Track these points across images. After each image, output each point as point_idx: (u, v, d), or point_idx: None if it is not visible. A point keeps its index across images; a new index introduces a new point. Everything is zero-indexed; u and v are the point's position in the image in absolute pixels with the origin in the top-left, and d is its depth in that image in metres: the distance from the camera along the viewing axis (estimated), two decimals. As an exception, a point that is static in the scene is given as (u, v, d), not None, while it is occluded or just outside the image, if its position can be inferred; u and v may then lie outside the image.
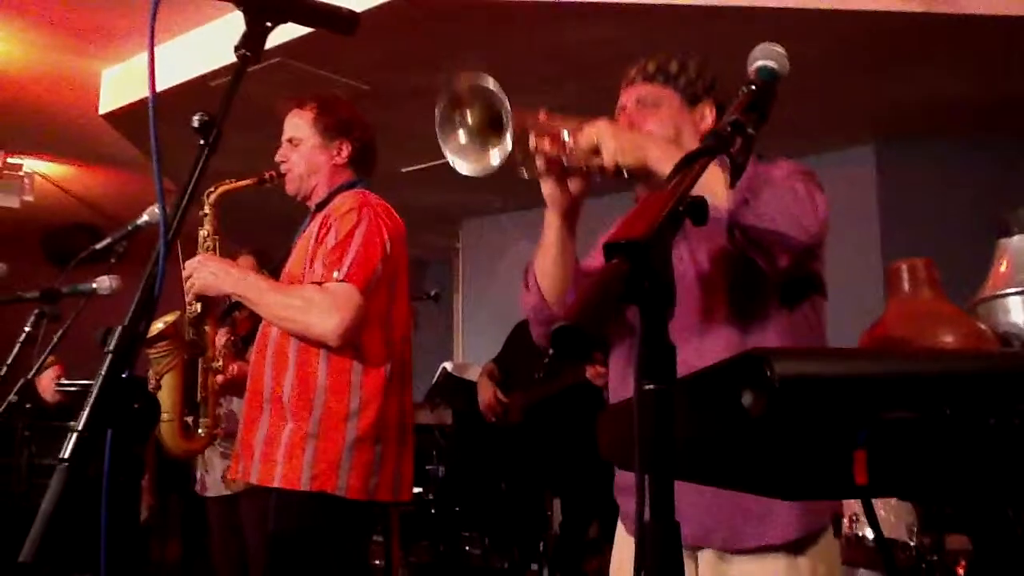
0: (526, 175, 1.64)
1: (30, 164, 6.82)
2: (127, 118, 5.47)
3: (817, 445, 0.71)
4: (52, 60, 5.24)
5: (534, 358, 4.65)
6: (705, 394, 0.76)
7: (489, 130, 1.55)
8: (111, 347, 0.95)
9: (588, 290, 0.68)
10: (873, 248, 5.42)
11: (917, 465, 0.74)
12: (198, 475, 4.02)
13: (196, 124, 1.10)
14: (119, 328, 0.95)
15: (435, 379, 5.59)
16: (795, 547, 1.62)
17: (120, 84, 5.42)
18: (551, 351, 0.69)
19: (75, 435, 0.90)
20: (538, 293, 1.82)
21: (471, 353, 7.30)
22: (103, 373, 0.94)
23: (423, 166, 6.20)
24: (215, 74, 4.61)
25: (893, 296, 1.90)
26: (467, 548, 5.21)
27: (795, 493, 0.78)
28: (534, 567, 4.81)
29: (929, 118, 5.31)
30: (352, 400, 2.38)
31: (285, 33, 4.15)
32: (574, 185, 1.73)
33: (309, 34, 4.06)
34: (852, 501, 2.92)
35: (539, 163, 1.64)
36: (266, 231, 4.73)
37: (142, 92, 5.15)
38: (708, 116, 1.83)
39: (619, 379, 1.85)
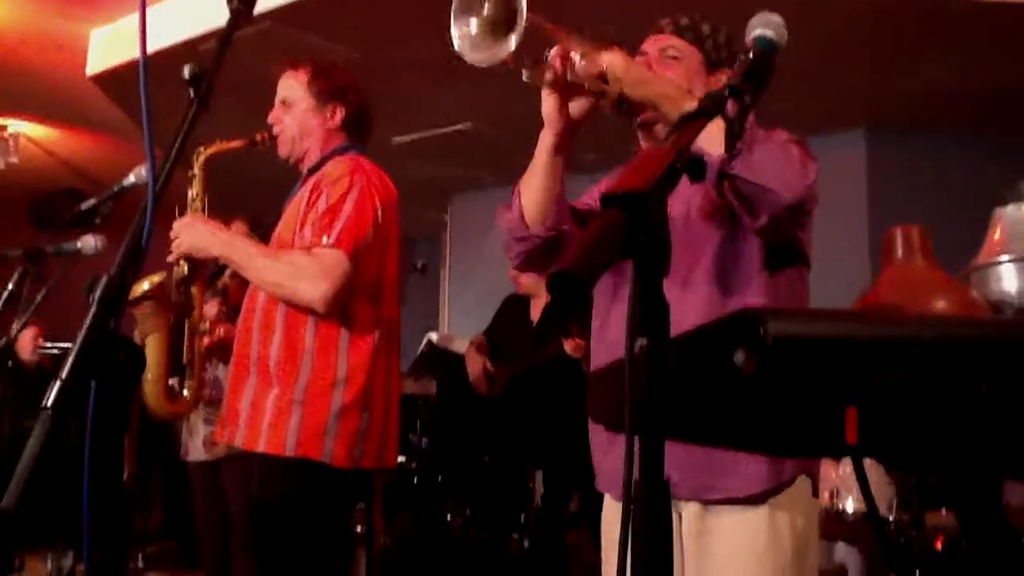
0: (526, 78, 1.63)
1: (15, 125, 6.76)
2: (115, 81, 5.41)
3: (808, 405, 0.71)
4: (40, 20, 5.17)
5: (522, 332, 4.67)
6: (696, 353, 0.76)
7: (502, 26, 1.54)
8: (97, 296, 0.94)
9: (584, 238, 0.68)
10: (861, 232, 5.43)
11: (907, 428, 0.74)
12: (182, 440, 4.01)
13: (187, 76, 1.08)
14: (105, 277, 0.94)
15: (420, 350, 5.59)
16: (769, 500, 1.65)
17: (108, 46, 5.35)
18: (549, 299, 0.68)
19: (58, 383, 0.89)
20: (519, 211, 1.83)
21: (457, 327, 7.29)
22: (88, 323, 0.93)
23: (414, 137, 6.17)
24: (204, 38, 4.56)
25: (887, 263, 1.91)
26: (449, 518, 5.22)
27: (786, 451, 0.78)
28: (515, 538, 4.82)
29: (922, 107, 5.31)
30: (339, 367, 2.37)
31: (277, -1, 4.11)
32: (575, 108, 1.72)
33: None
34: (832, 475, 2.95)
35: (547, 74, 1.63)
36: (256, 198, 4.69)
37: (130, 54, 5.09)
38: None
39: (597, 342, 1.86)
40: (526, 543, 4.77)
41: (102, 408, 0.97)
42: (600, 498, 1.95)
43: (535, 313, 4.66)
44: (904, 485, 2.84)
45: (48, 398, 0.89)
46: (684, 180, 0.82)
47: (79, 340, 0.92)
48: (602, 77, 1.59)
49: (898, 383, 0.68)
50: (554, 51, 1.61)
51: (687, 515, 1.72)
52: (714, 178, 1.48)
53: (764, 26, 1.24)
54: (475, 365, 4.71)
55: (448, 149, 6.55)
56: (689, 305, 1.63)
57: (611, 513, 1.90)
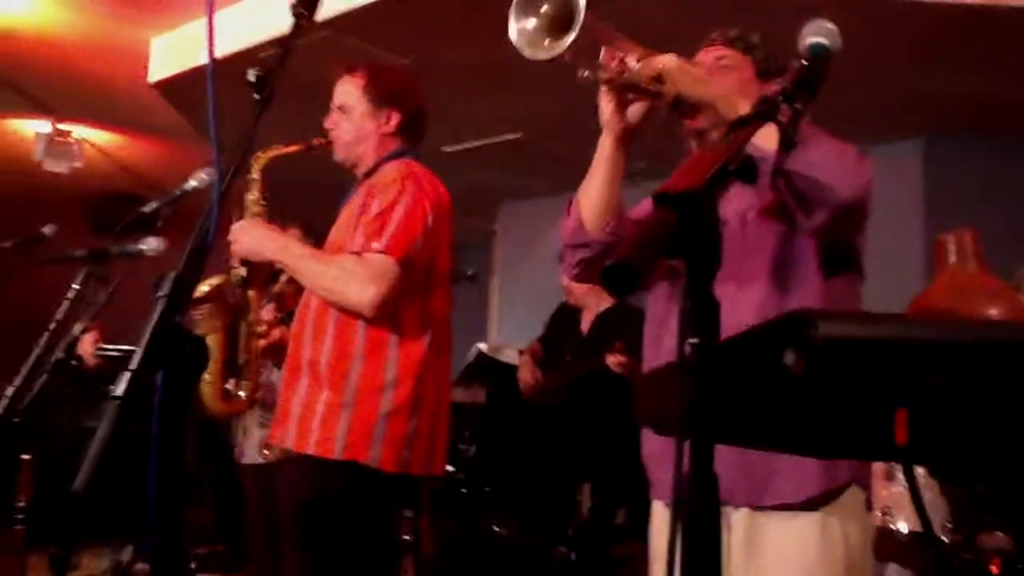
0: (581, 74, 1.65)
1: (79, 131, 6.92)
2: (175, 87, 5.52)
3: (858, 407, 0.72)
4: (103, 28, 5.30)
5: (571, 342, 4.67)
6: (746, 355, 0.76)
7: (559, 24, 1.57)
8: (164, 292, 0.98)
9: (636, 233, 0.69)
10: (916, 240, 5.35)
11: (957, 433, 0.74)
12: (236, 442, 4.07)
13: (252, 79, 1.12)
14: (172, 273, 0.97)
15: (469, 359, 5.61)
16: (821, 507, 1.64)
17: (169, 53, 5.47)
18: (605, 286, 0.70)
19: (128, 373, 0.92)
20: (577, 215, 1.85)
21: (506, 335, 7.31)
22: (156, 317, 0.96)
23: (465, 146, 6.22)
24: (263, 46, 4.64)
25: (940, 268, 1.89)
26: (495, 528, 5.23)
27: (835, 453, 0.79)
28: (561, 549, 4.82)
29: (979, 114, 5.22)
30: (388, 371, 2.39)
31: (333, 7, 4.18)
32: (633, 112, 1.75)
33: (357, 8, 4.09)
34: (884, 493, 2.90)
35: (603, 72, 1.66)
36: (312, 205, 4.77)
37: (191, 61, 5.20)
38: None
39: (652, 349, 1.87)
40: (572, 555, 4.76)
41: (168, 400, 1.01)
42: (649, 511, 1.95)
43: (585, 325, 4.66)
44: (957, 505, 2.79)
45: (117, 388, 0.93)
46: (740, 184, 0.84)
47: (148, 333, 0.95)
48: (658, 78, 1.61)
49: (947, 386, 0.69)
50: (609, 52, 1.64)
51: (737, 524, 1.71)
52: (770, 173, 1.48)
53: (818, 33, 1.24)
54: (526, 372, 4.72)
55: (498, 158, 6.58)
56: (744, 306, 1.64)
57: (660, 521, 1.90)
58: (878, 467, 2.90)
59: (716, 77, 1.81)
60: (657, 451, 1.83)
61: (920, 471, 2.78)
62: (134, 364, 0.93)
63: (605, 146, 1.80)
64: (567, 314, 4.75)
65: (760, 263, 1.71)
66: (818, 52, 1.22)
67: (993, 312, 1.68)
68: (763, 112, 0.96)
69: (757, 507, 1.68)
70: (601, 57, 1.66)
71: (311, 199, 4.63)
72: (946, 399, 0.72)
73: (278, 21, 1.25)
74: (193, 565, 5.48)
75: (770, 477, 1.65)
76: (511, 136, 6.11)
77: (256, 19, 4.74)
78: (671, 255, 0.74)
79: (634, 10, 3.75)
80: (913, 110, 5.37)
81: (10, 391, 2.52)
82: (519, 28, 1.60)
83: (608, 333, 4.36)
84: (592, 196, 1.83)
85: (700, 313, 0.74)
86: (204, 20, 1.25)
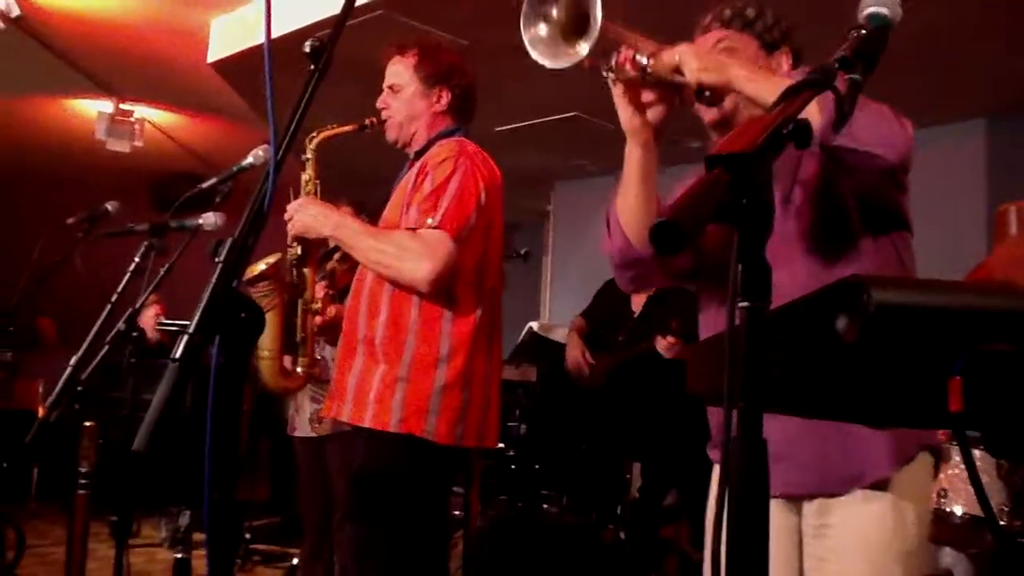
0: (605, 74, 1.64)
1: (141, 111, 7.06)
2: (234, 67, 5.60)
3: (911, 374, 0.70)
4: (164, 10, 5.40)
5: (621, 321, 4.66)
6: (798, 321, 0.76)
7: (573, 30, 1.56)
8: (221, 257, 1.00)
9: (686, 195, 0.69)
10: (979, 220, 5.23)
11: (1015, 404, 0.72)
12: (289, 415, 4.15)
13: (307, 49, 1.14)
14: (229, 240, 0.99)
15: (521, 338, 5.63)
16: (892, 487, 1.63)
17: (228, 33, 5.55)
18: (652, 245, 0.70)
19: (185, 337, 0.95)
20: (621, 235, 1.81)
21: (558, 315, 7.32)
22: (213, 282, 0.98)
23: (517, 125, 6.21)
24: (318, 26, 4.69)
25: (999, 240, 1.85)
26: (545, 506, 5.26)
27: (887, 421, 0.78)
28: (610, 528, 4.83)
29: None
30: (442, 346, 2.41)
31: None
32: (653, 114, 1.73)
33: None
34: (940, 475, 2.86)
35: (624, 72, 1.65)
36: (362, 188, 4.81)
37: (250, 41, 5.27)
38: (784, 64, 1.83)
39: (708, 328, 1.86)
40: (621, 534, 4.77)
41: (224, 365, 1.03)
42: (698, 492, 1.95)
43: (636, 305, 4.64)
44: (1015, 489, 2.74)
45: (176, 351, 0.95)
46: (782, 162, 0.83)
47: (205, 297, 0.98)
48: (677, 70, 1.59)
49: (1005, 355, 0.68)
50: (624, 53, 1.62)
51: (808, 514, 1.70)
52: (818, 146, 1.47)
53: (878, 3, 1.21)
54: (574, 351, 4.72)
55: (551, 137, 6.57)
56: (794, 280, 1.62)
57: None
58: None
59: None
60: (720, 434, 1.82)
61: (977, 453, 2.73)
62: (191, 328, 0.95)
63: (633, 154, 1.77)
64: (616, 293, 4.74)
65: (806, 237, 1.69)
66: (878, 21, 1.19)
67: (1054, 283, 1.64)
68: (818, 80, 0.94)
69: (830, 494, 1.67)
70: (615, 57, 1.63)
71: (361, 182, 4.68)
72: (1003, 369, 0.70)
73: (335, 3, 1.25)
74: (248, 536, 5.61)
75: (845, 465, 1.64)
76: (564, 115, 6.09)
77: (313, 1, 4.79)
78: (722, 219, 0.73)
79: None
80: (975, 90, 5.24)
81: (73, 360, 2.59)
82: (532, 37, 1.59)
83: (661, 314, 4.34)
84: (631, 207, 1.79)
85: (751, 277, 0.73)
86: (263, 1, 1.27)
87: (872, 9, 1.21)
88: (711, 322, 1.85)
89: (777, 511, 1.70)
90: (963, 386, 0.68)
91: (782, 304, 0.79)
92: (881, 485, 1.64)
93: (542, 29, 1.61)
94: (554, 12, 1.60)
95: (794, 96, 0.88)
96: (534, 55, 1.61)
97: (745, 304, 0.73)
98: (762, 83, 1.57)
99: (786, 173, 1.71)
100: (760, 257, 0.74)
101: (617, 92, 1.71)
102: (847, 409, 0.74)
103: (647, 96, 1.73)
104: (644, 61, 1.61)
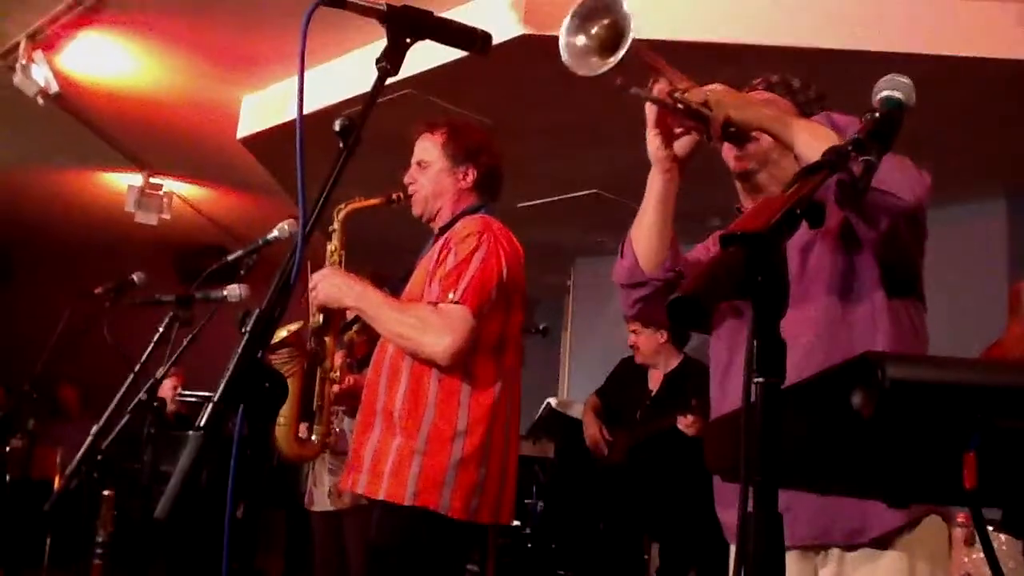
0: (634, 91, 1.68)
1: (169, 184, 7.19)
2: (263, 143, 5.72)
3: (927, 450, 0.71)
4: (196, 86, 5.54)
5: (638, 398, 4.64)
6: (814, 397, 0.77)
7: (608, 46, 1.63)
8: (248, 328, 1.02)
9: (703, 271, 0.71)
10: (1001, 300, 5.21)
11: (1029, 482, 0.73)
12: (306, 489, 4.13)
13: (337, 128, 1.17)
14: (256, 311, 1.02)
15: (539, 414, 5.61)
16: (900, 544, 1.63)
17: (258, 110, 5.67)
18: (670, 318, 0.71)
19: (211, 405, 0.96)
20: (632, 258, 1.87)
21: (576, 391, 7.29)
22: (239, 351, 1.00)
23: (538, 202, 6.28)
24: (348, 103, 4.79)
25: (1013, 316, 1.85)
26: (562, 585, 5.18)
27: (903, 497, 0.78)
28: (629, 610, 4.73)
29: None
30: (460, 420, 2.42)
31: (415, 65, 4.30)
32: (680, 146, 1.79)
33: (438, 67, 4.20)
34: (964, 560, 2.80)
35: (654, 91, 1.70)
36: (386, 258, 4.87)
37: (279, 119, 5.39)
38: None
39: (719, 392, 1.87)
40: (639, 615, 4.68)
41: (247, 437, 1.04)
42: (717, 573, 1.93)
43: (653, 383, 4.63)
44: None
45: (200, 419, 0.97)
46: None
47: (231, 366, 1.00)
48: (706, 104, 1.64)
49: (1021, 431, 0.68)
50: (660, 83, 1.70)
51: (827, 565, 1.70)
52: (835, 187, 1.49)
53: (893, 87, 1.25)
54: (592, 428, 4.70)
55: (572, 214, 6.64)
56: (803, 323, 1.65)
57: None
58: (958, 533, 2.81)
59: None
60: (726, 496, 1.82)
61: (1002, 537, 2.68)
62: (216, 396, 0.97)
63: (656, 182, 1.84)
64: (632, 371, 4.74)
65: (820, 283, 1.72)
66: (892, 104, 1.23)
67: (1069, 361, 1.64)
68: (832, 162, 0.97)
69: (847, 546, 1.67)
70: (650, 84, 1.71)
71: (385, 254, 4.74)
72: (1020, 446, 0.71)
73: (363, 82, 1.30)
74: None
75: (858, 515, 1.64)
76: (585, 192, 6.17)
77: (342, 80, 4.91)
78: (738, 295, 0.75)
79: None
80: (996, 170, 5.27)
81: (94, 429, 2.61)
82: (568, 43, 1.66)
83: (679, 392, 4.32)
84: (646, 235, 1.86)
85: (766, 353, 0.75)
86: (294, 79, 1.32)
87: (886, 93, 1.25)
88: (723, 363, 1.88)
89: (791, 561, 1.70)
90: (978, 463, 0.69)
91: (794, 348, 0.80)
92: (886, 541, 1.64)
93: (580, 39, 1.68)
94: (594, 29, 1.67)
95: (809, 176, 0.90)
96: (566, 59, 1.67)
97: (760, 380, 0.74)
98: (789, 125, 1.62)
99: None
100: (775, 333, 0.75)
101: (649, 118, 1.77)
102: (863, 485, 0.74)
103: (676, 126, 1.78)
104: (676, 87, 1.66)
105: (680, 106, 1.68)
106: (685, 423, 4.13)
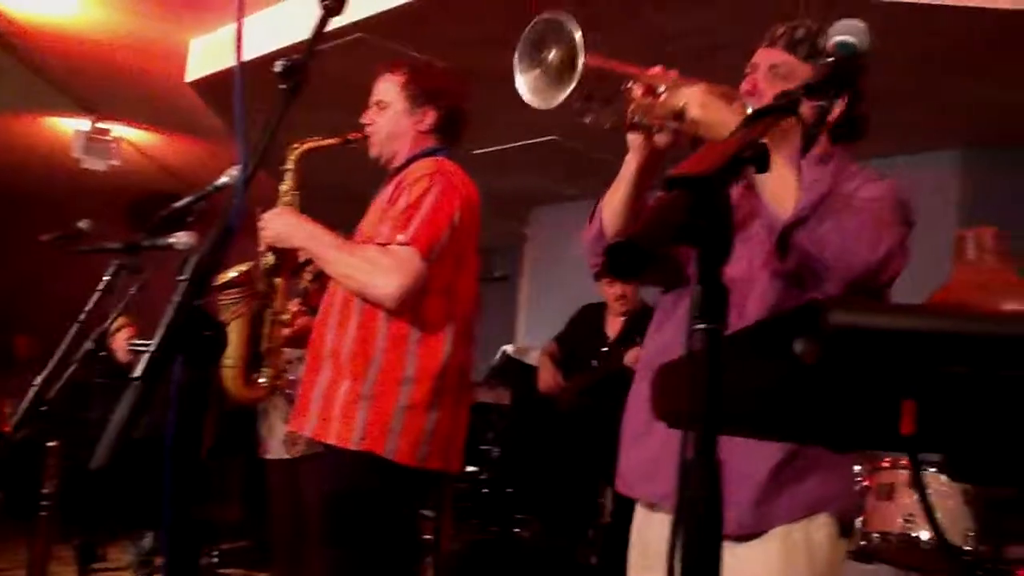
0: (591, 120, 1.66)
1: (118, 129, 7.02)
2: (212, 87, 5.59)
3: (869, 397, 0.71)
4: (142, 27, 5.38)
5: (595, 343, 4.66)
6: (758, 345, 0.76)
7: (566, 72, 1.59)
8: (186, 275, 0.99)
9: (646, 214, 0.70)
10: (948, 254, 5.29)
11: (972, 429, 0.73)
12: (261, 437, 4.11)
13: (279, 69, 1.14)
14: (194, 257, 0.99)
15: (495, 361, 5.63)
16: (793, 529, 1.62)
17: (207, 54, 5.54)
18: (609, 266, 0.70)
19: (147, 355, 0.94)
20: (599, 226, 1.85)
21: (534, 338, 7.31)
22: (177, 299, 0.98)
23: (495, 149, 6.23)
24: (294, 47, 4.68)
25: (958, 264, 1.88)
26: (518, 530, 5.23)
27: (845, 444, 0.78)
28: (584, 552, 4.81)
29: (1019, 126, 5.15)
30: (408, 366, 2.40)
31: (365, 7, 4.21)
32: (660, 138, 1.73)
33: (389, 9, 4.12)
34: (907, 500, 2.87)
35: (615, 117, 1.67)
36: (345, 208, 4.81)
37: (228, 62, 5.25)
38: (838, 104, 1.69)
39: (650, 341, 1.89)
40: (594, 558, 4.75)
41: (186, 385, 1.02)
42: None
43: (611, 329, 4.66)
44: (983, 513, 2.75)
45: (137, 369, 0.95)
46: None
47: (168, 315, 0.97)
48: (679, 114, 1.58)
49: (962, 378, 0.68)
50: (635, 87, 1.63)
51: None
52: (776, 242, 1.46)
53: (847, 31, 1.23)
54: (546, 374, 4.72)
55: (529, 161, 6.59)
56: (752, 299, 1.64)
57: (641, 520, 1.91)
58: (902, 475, 2.87)
59: (768, 87, 1.68)
60: (635, 431, 1.84)
61: (942, 478, 2.74)
62: (153, 346, 0.95)
63: (631, 165, 1.79)
64: (592, 314, 4.76)
65: (767, 290, 1.67)
66: (845, 50, 1.21)
67: (1010, 307, 1.66)
68: (782, 106, 0.95)
69: (741, 537, 1.66)
70: (624, 88, 1.64)
71: (343, 202, 4.67)
72: (960, 392, 0.71)
73: (310, 26, 1.26)
74: (216, 560, 5.52)
75: (759, 503, 1.63)
76: (542, 139, 6.12)
77: (289, 23, 4.80)
78: (681, 240, 0.74)
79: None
80: (951, 121, 5.31)
81: (38, 379, 2.55)
82: (525, 80, 1.63)
83: (639, 335, 4.35)
84: (616, 207, 1.82)
85: (709, 299, 0.74)
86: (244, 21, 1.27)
87: (840, 37, 1.23)
88: (660, 324, 1.91)
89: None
90: (920, 409, 0.69)
91: (742, 328, 0.79)
92: (759, 535, 1.63)
93: (535, 74, 1.64)
94: (548, 57, 1.63)
95: (758, 120, 0.89)
96: (528, 100, 1.64)
97: (703, 326, 0.73)
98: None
99: (749, 249, 1.71)
100: (718, 280, 0.75)
101: (627, 119, 1.71)
102: (806, 431, 0.74)
103: (656, 126, 1.73)
104: (654, 95, 1.62)
105: (656, 123, 1.64)
106: (631, 359, 4.17)
